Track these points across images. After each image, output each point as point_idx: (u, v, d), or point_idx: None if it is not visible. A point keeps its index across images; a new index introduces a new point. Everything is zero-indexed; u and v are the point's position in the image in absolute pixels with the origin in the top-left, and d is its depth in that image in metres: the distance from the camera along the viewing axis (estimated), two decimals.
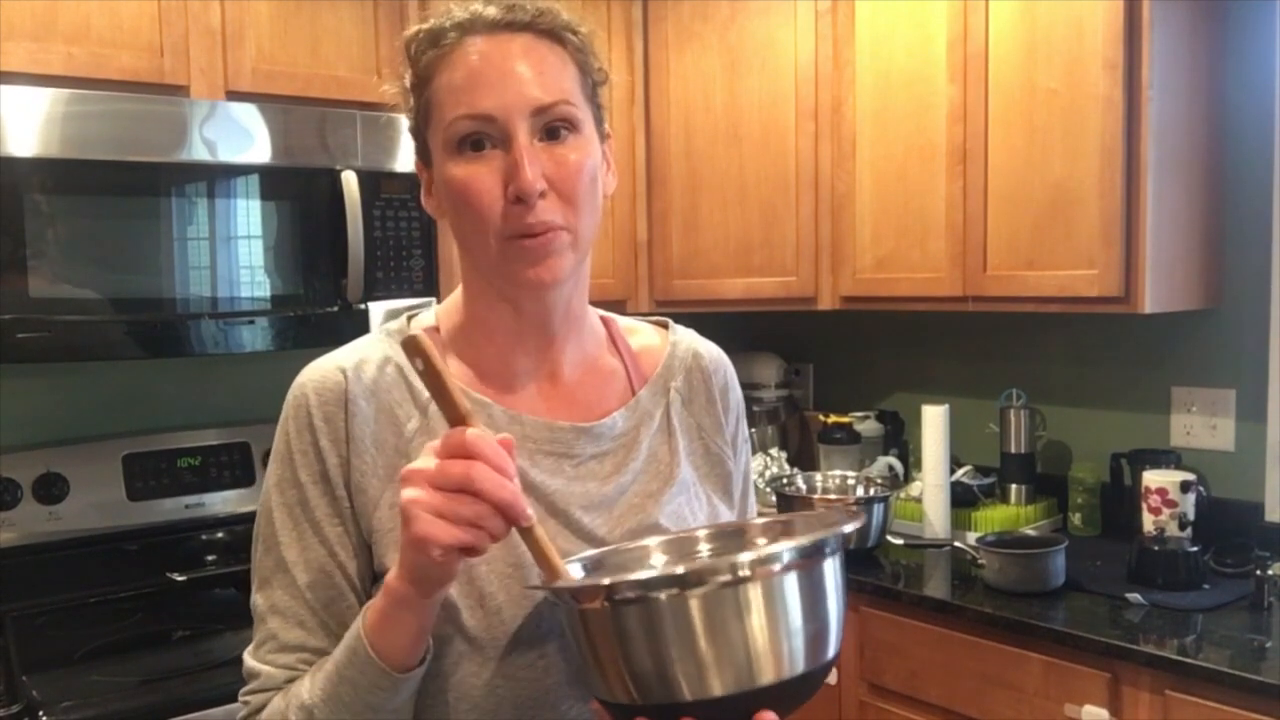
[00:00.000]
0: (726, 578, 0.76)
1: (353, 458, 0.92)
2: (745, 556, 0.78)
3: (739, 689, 0.77)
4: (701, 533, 0.98)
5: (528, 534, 0.82)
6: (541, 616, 0.91)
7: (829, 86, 2.62)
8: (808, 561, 0.80)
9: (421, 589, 0.82)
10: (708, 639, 0.76)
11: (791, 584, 0.79)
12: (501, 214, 0.89)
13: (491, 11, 0.92)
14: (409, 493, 0.78)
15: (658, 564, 0.95)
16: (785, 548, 0.79)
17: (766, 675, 0.78)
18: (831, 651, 0.83)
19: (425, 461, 0.79)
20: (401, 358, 0.97)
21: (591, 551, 0.94)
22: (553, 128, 0.91)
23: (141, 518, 2.18)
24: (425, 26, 0.94)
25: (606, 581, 0.80)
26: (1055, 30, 2.20)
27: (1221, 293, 2.33)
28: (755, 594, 0.77)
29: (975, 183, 2.35)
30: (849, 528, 0.83)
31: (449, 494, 0.77)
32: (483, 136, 0.90)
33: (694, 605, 0.76)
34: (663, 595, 0.76)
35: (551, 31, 0.93)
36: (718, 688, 0.77)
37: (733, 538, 0.98)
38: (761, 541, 0.96)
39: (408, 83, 0.95)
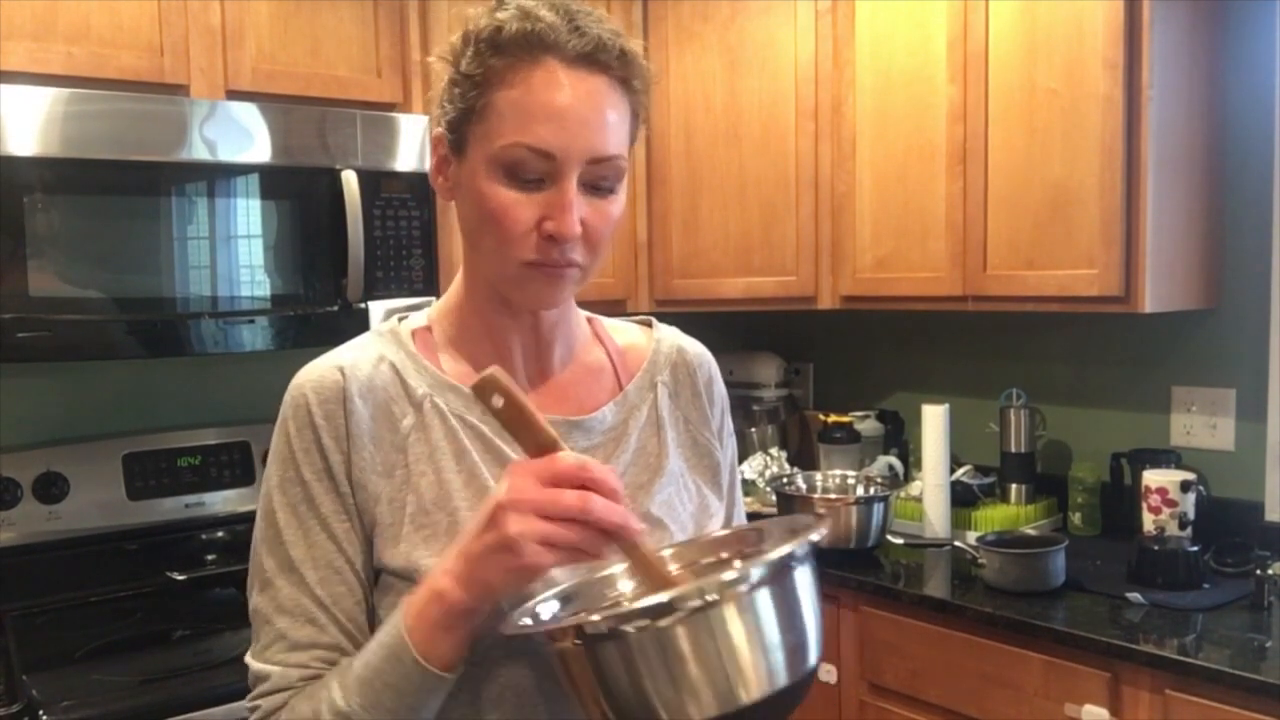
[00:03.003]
0: (696, 603, 0.76)
1: (353, 454, 0.93)
2: (713, 580, 0.78)
3: (722, 711, 0.77)
4: (667, 551, 0.98)
5: (633, 549, 0.82)
6: None
7: (829, 86, 2.62)
8: (777, 576, 0.79)
9: (490, 602, 0.84)
10: (684, 666, 0.76)
11: (764, 601, 0.78)
12: (531, 245, 0.91)
13: (577, 41, 0.90)
14: (516, 521, 0.79)
15: (626, 590, 0.95)
16: (752, 567, 0.79)
17: (749, 694, 0.77)
18: (812, 660, 0.82)
19: (524, 485, 0.80)
20: (395, 356, 0.98)
21: (566, 584, 0.93)
22: (599, 178, 0.92)
23: (141, 517, 2.19)
24: (506, 25, 0.90)
25: (573, 623, 0.79)
26: (1055, 30, 2.20)
27: (1221, 293, 2.33)
28: (728, 616, 0.76)
29: (975, 183, 2.35)
30: (815, 535, 0.82)
31: (558, 523, 0.79)
32: (533, 168, 0.90)
33: (667, 635, 0.76)
34: (632, 628, 0.76)
35: (624, 79, 0.93)
36: (699, 713, 0.76)
37: (700, 552, 0.98)
38: (726, 555, 0.96)
39: (463, 68, 0.92)
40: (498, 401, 0.82)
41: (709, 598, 0.76)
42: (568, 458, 0.81)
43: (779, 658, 0.78)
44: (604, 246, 0.95)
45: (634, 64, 0.93)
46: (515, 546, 0.78)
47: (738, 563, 0.93)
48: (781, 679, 0.79)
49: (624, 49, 0.92)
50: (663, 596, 0.77)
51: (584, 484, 0.80)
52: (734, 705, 0.77)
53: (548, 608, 0.90)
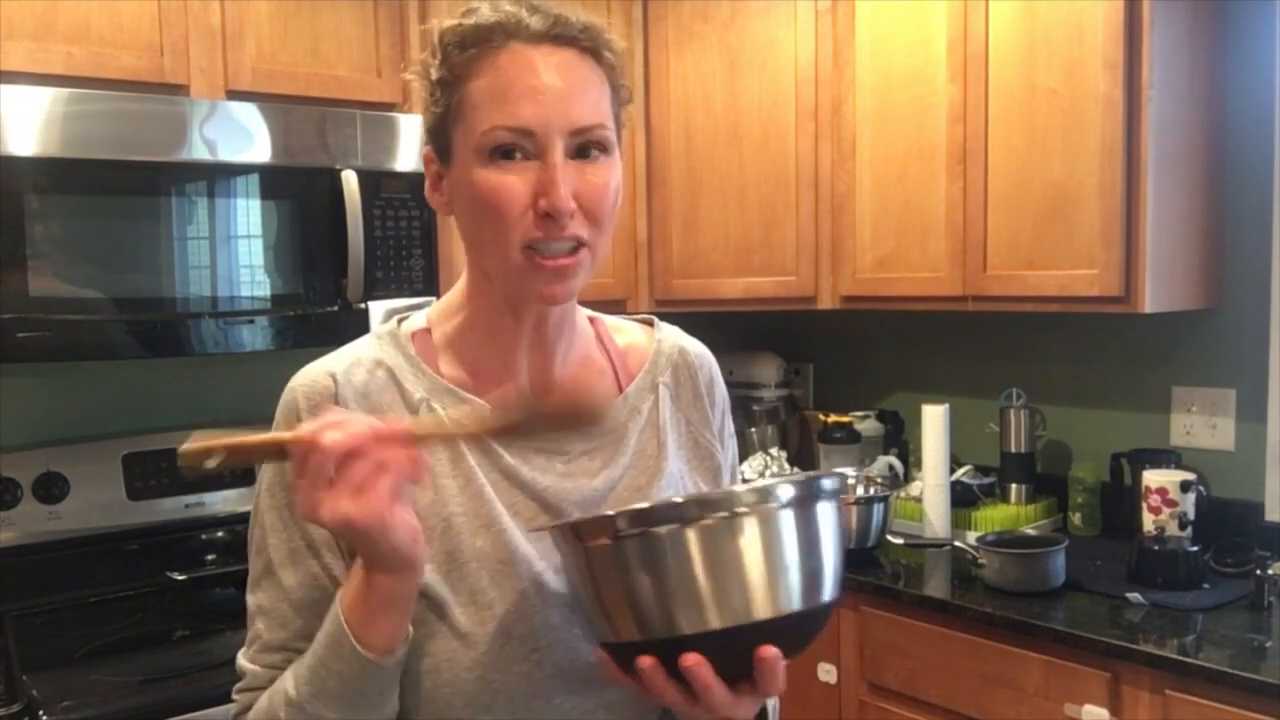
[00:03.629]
0: (725, 513, 0.80)
1: None
2: (743, 490, 0.82)
3: (735, 623, 0.80)
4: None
5: (425, 440, 0.85)
6: (534, 610, 0.92)
7: (829, 86, 2.62)
8: (803, 500, 0.83)
9: (389, 570, 0.83)
10: (706, 572, 0.80)
11: (787, 520, 0.82)
12: (529, 225, 0.90)
13: (537, 21, 0.91)
14: (300, 504, 0.81)
15: None
16: (780, 483, 0.84)
17: (762, 610, 0.81)
18: (828, 594, 0.85)
19: (298, 483, 0.81)
20: (392, 360, 0.98)
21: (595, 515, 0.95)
22: (586, 148, 0.91)
23: (141, 517, 2.19)
24: (464, 22, 0.92)
25: (610, 514, 0.83)
26: (1055, 30, 2.20)
27: (1221, 293, 2.33)
28: (751, 528, 0.81)
29: (975, 183, 2.35)
30: (843, 470, 0.88)
31: (312, 477, 0.79)
32: (516, 148, 0.89)
33: (693, 538, 0.80)
34: (664, 529, 0.80)
35: (593, 50, 0.93)
36: (715, 621, 0.80)
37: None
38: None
39: (435, 75, 0.94)
40: (213, 462, 0.81)
41: (739, 509, 0.80)
42: (293, 442, 0.81)
43: (795, 580, 0.82)
44: (606, 220, 0.93)
45: (600, 35, 0.94)
46: (356, 528, 0.79)
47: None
48: (795, 602, 0.82)
49: (587, 23, 0.93)
50: (694, 498, 0.83)
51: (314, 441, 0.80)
52: (748, 619, 0.80)
53: None
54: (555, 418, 0.87)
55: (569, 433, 0.92)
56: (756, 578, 0.80)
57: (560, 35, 0.91)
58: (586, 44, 0.92)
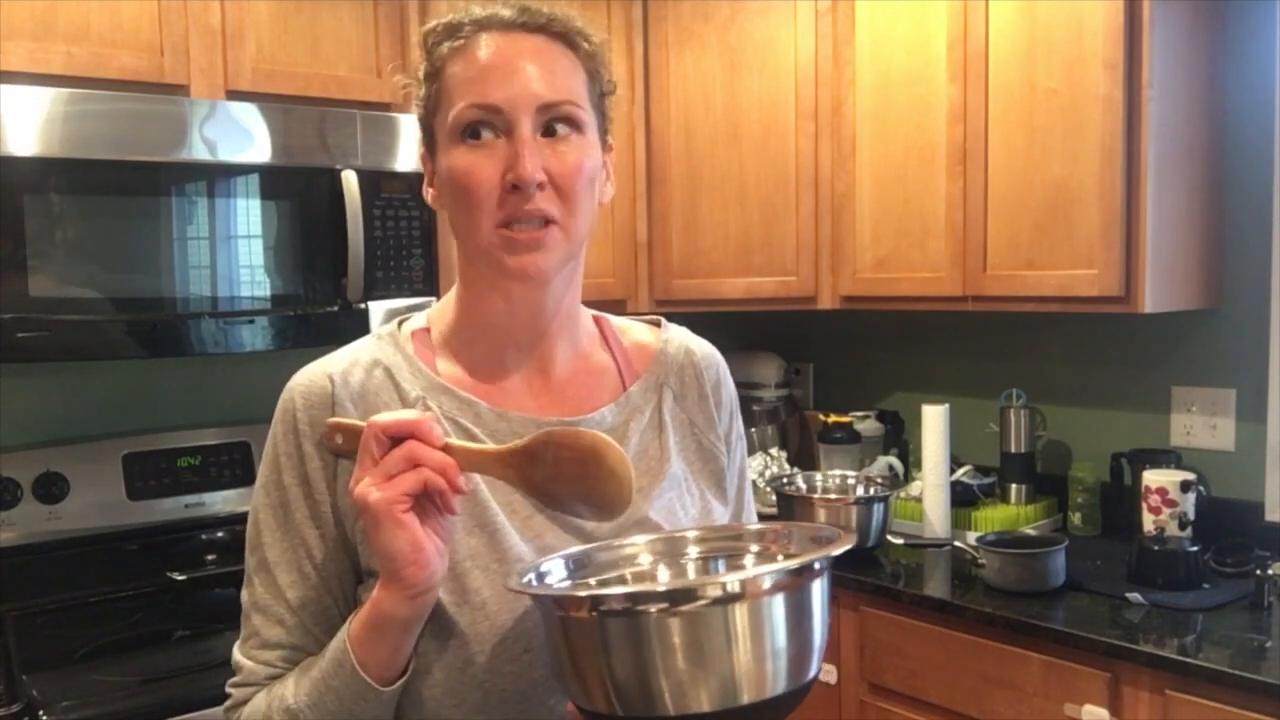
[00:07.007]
0: (716, 594, 0.76)
1: (339, 463, 0.94)
2: (734, 576, 0.79)
3: (721, 706, 0.77)
4: (692, 534, 0.98)
5: (453, 451, 0.86)
6: (527, 610, 0.92)
7: (829, 86, 2.62)
8: (796, 582, 0.80)
9: (388, 580, 0.84)
10: (693, 656, 0.76)
11: (778, 605, 0.79)
12: (497, 202, 0.91)
13: (507, 12, 0.95)
14: (365, 493, 0.83)
15: (645, 564, 0.95)
16: (774, 570, 0.80)
17: (748, 694, 0.78)
18: (813, 671, 0.83)
19: (361, 470, 0.86)
20: (390, 360, 0.99)
21: (577, 548, 0.94)
22: (555, 125, 0.93)
23: (141, 517, 2.19)
24: (443, 20, 0.97)
25: (590, 594, 0.80)
26: (1055, 30, 2.20)
27: (1221, 293, 2.33)
28: (742, 613, 0.77)
29: (975, 183, 2.35)
30: (838, 550, 0.83)
31: (362, 455, 0.85)
32: (486, 126, 0.92)
33: (681, 622, 0.76)
34: (651, 609, 0.76)
35: (564, 35, 0.96)
36: (700, 704, 0.77)
37: (723, 540, 0.98)
38: (754, 549, 0.96)
39: (421, 73, 0.98)
40: (340, 439, 0.91)
41: (730, 590, 0.77)
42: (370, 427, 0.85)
43: (783, 664, 0.79)
44: (577, 198, 0.94)
45: (570, 23, 0.97)
46: (370, 511, 0.82)
47: (759, 562, 0.94)
48: (782, 685, 0.79)
49: (555, 13, 0.97)
50: (683, 583, 0.79)
51: (402, 434, 0.84)
52: (734, 702, 0.77)
53: (554, 567, 0.91)
54: (568, 449, 0.85)
55: (582, 477, 0.86)
56: (743, 664, 0.77)
57: (529, 23, 0.95)
58: (556, 29, 0.96)
